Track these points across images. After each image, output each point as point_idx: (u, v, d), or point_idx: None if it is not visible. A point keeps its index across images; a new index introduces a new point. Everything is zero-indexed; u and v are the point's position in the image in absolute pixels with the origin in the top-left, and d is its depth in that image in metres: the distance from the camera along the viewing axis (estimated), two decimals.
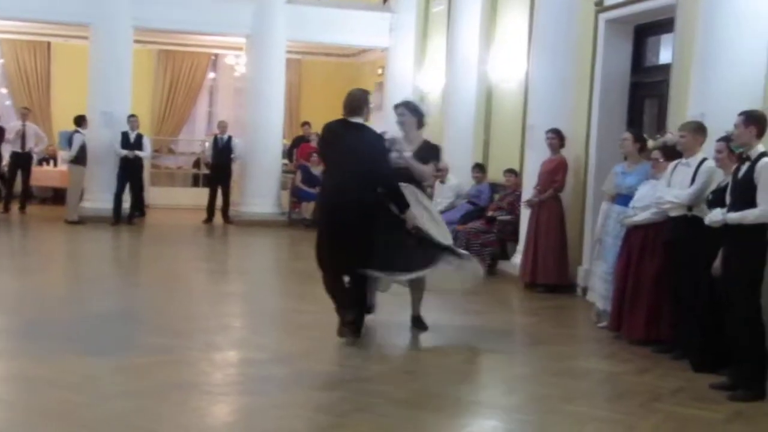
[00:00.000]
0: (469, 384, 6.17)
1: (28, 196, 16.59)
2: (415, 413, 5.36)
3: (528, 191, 10.37)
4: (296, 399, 5.51)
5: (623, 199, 7.79)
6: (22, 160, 16.15)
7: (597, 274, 8.00)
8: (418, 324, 7.65)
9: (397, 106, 7.67)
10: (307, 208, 15.86)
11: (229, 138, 16.17)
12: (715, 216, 5.99)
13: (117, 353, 6.41)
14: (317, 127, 17.22)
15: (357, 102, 7.16)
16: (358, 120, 7.12)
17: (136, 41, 16.31)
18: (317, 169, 16.04)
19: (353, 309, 7.06)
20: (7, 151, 16.30)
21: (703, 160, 6.73)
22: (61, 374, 5.72)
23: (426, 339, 7.52)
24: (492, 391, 6.10)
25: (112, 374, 5.83)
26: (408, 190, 7.14)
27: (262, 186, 16.09)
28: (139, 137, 15.25)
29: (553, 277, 9.77)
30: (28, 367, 5.94)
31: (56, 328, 7.25)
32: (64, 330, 7.17)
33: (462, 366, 6.60)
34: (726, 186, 6.26)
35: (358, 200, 6.88)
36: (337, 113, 20.57)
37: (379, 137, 7.21)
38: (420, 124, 7.53)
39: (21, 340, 6.82)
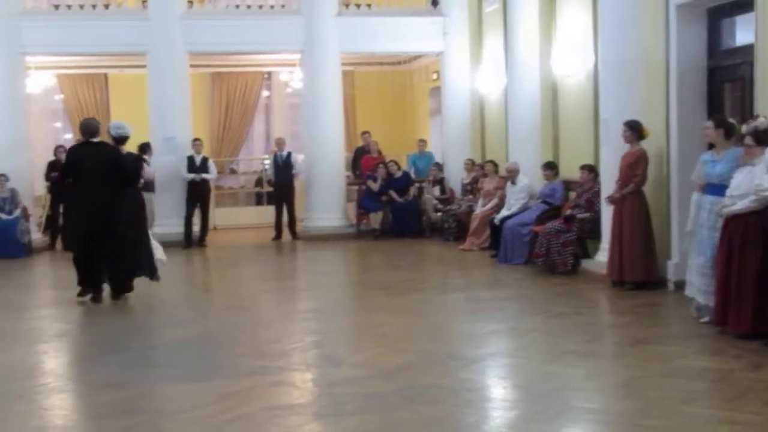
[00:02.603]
0: (580, 390, 5.96)
1: None
2: (527, 424, 5.21)
3: (606, 187, 10.14)
4: (406, 416, 5.37)
5: (714, 188, 7.55)
6: None
7: (694, 268, 7.72)
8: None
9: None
10: (375, 219, 15.80)
11: (289, 154, 16.17)
12: None
13: (216, 378, 6.35)
14: (375, 137, 17.28)
15: (93, 128, 9.62)
16: (97, 139, 9.62)
17: (190, 65, 16.37)
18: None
19: (92, 285, 9.60)
20: None
21: None
22: (169, 403, 5.68)
23: (522, 344, 7.36)
24: (605, 396, 5.88)
25: (219, 401, 5.73)
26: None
27: (327, 199, 16.06)
28: (205, 160, 15.35)
29: (640, 274, 9.52)
30: (137, 399, 5.90)
31: (148, 355, 7.23)
32: (158, 357, 7.15)
33: (566, 371, 6.40)
34: None
35: (100, 203, 9.33)
36: (392, 122, 20.72)
37: (118, 153, 9.70)
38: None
39: (119, 370, 6.76)
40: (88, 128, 9.66)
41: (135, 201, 10.01)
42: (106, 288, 9.80)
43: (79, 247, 9.76)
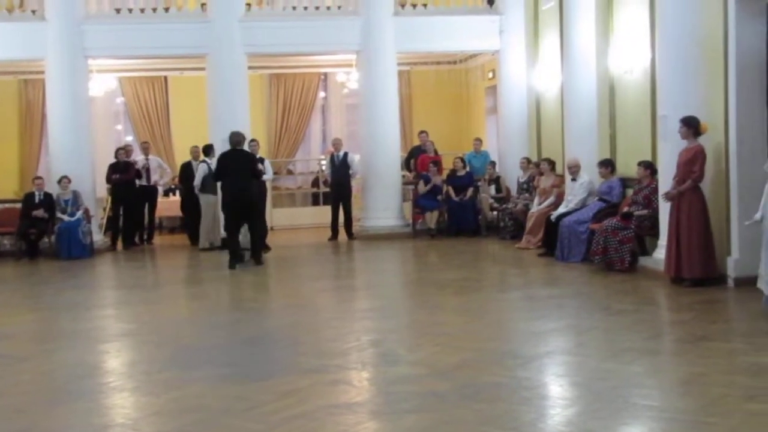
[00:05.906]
0: (639, 387, 5.91)
1: (153, 227, 16.99)
2: (586, 421, 5.19)
3: (665, 184, 10.04)
4: (464, 414, 5.39)
5: None
6: (147, 193, 16.50)
7: (764, 261, 7.59)
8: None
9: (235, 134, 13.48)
10: (431, 218, 15.80)
11: (345, 154, 16.25)
12: None
13: (275, 377, 6.43)
14: (432, 136, 17.26)
15: (238, 138, 13.00)
16: (240, 148, 13.00)
17: (248, 67, 16.54)
18: (437, 179, 16.04)
19: (236, 254, 12.86)
20: None
21: None
22: (230, 401, 5.76)
23: (580, 342, 7.32)
24: (665, 394, 5.83)
25: (279, 399, 5.81)
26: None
27: (383, 199, 16.12)
28: (261, 160, 15.44)
29: (699, 271, 9.43)
30: (198, 397, 5.99)
31: (208, 354, 7.34)
32: (218, 356, 7.25)
33: (625, 368, 6.35)
34: None
35: (245, 191, 12.78)
36: (448, 121, 21.07)
37: (253, 156, 13.69)
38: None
39: (179, 369, 6.87)
40: (234, 139, 12.96)
41: (260, 190, 13.99)
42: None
43: (231, 226, 12.95)
